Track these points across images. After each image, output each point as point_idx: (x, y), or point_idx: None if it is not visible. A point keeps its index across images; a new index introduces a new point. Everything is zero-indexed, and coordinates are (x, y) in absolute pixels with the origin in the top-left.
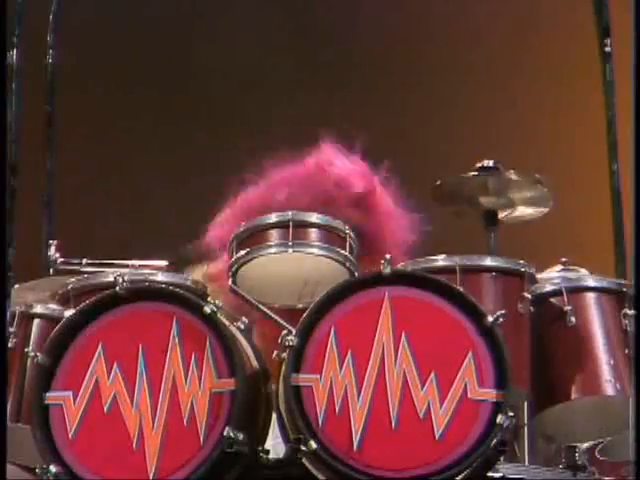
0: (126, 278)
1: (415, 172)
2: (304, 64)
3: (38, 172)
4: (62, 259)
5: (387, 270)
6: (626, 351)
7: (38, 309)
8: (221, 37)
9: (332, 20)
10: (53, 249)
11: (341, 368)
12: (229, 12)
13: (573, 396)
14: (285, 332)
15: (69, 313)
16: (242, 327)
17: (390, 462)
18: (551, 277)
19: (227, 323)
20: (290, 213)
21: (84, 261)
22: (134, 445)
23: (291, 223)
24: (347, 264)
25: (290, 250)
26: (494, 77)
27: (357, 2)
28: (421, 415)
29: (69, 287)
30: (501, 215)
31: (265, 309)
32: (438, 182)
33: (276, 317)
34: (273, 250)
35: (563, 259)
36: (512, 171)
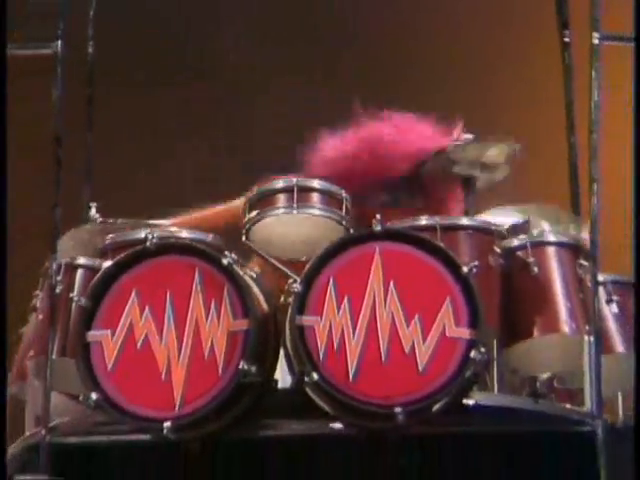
0: (155, 235)
1: None
2: (302, 61)
3: (80, 145)
4: (101, 219)
5: (378, 228)
6: (580, 296)
7: (81, 261)
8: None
9: (327, 18)
10: (93, 210)
11: (339, 311)
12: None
13: (535, 334)
14: (291, 280)
15: (107, 264)
16: (254, 276)
17: (381, 391)
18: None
19: (241, 273)
20: (295, 179)
21: (119, 221)
22: (163, 376)
23: (296, 188)
24: (343, 223)
25: (295, 211)
26: (470, 69)
27: (353, 2)
28: (407, 351)
29: (107, 242)
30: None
31: (274, 261)
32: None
33: (283, 268)
34: (280, 211)
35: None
36: (472, 135)
